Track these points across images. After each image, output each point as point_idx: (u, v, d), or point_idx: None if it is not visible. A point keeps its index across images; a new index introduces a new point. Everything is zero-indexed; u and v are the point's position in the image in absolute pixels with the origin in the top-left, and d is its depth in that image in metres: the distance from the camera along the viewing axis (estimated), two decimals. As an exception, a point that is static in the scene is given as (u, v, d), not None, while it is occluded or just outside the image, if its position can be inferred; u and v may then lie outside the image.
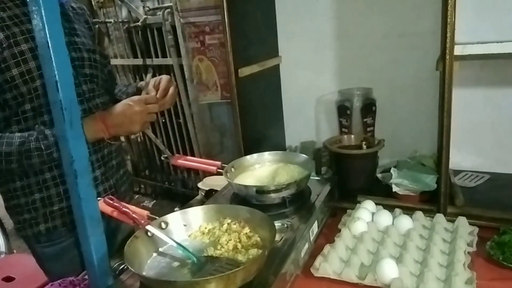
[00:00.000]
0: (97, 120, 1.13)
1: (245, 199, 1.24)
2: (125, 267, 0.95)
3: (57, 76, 0.74)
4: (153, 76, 1.35)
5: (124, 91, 1.41)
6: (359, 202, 1.32)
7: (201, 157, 1.48)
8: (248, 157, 1.41)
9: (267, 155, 1.41)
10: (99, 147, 1.22)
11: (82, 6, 1.35)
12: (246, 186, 1.23)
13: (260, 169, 1.38)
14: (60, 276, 1.08)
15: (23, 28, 1.07)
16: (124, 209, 1.00)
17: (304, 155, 1.37)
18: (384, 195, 1.40)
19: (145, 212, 1.01)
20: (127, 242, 0.93)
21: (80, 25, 1.26)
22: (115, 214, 1.02)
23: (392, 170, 1.44)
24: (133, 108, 1.15)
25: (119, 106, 1.17)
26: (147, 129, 1.23)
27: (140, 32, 3.09)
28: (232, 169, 1.34)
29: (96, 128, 1.12)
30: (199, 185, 1.69)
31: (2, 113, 1.09)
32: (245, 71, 1.54)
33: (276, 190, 1.18)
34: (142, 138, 3.52)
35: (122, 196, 1.31)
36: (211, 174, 1.36)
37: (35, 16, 0.71)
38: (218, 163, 1.32)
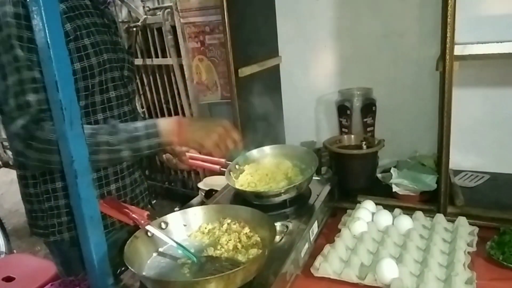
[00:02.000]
0: (172, 122, 1.09)
1: (245, 199, 1.24)
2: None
3: (57, 76, 0.74)
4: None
5: None
6: (359, 202, 1.32)
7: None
8: (247, 154, 1.39)
9: (268, 150, 1.40)
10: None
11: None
12: (245, 192, 1.23)
13: (263, 165, 1.36)
14: (76, 271, 1.08)
15: (86, 21, 1.07)
16: (123, 209, 1.00)
17: (307, 150, 1.35)
18: (384, 195, 1.40)
19: (145, 212, 1.01)
20: (127, 242, 0.93)
21: (111, 22, 1.24)
22: (115, 214, 1.02)
23: (392, 170, 1.44)
24: (218, 124, 1.10)
25: (205, 118, 1.13)
26: (217, 155, 1.13)
27: (140, 32, 3.09)
28: (237, 166, 1.32)
29: (167, 129, 1.06)
30: (199, 185, 1.69)
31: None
32: (245, 71, 1.53)
33: (276, 195, 1.18)
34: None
35: (138, 196, 1.31)
36: (212, 173, 1.35)
37: (35, 16, 0.72)
38: (222, 160, 1.28)
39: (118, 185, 1.21)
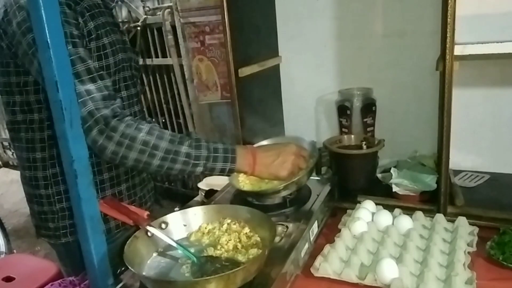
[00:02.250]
0: (248, 152, 1.09)
1: (245, 199, 1.24)
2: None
3: (57, 76, 0.74)
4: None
5: None
6: (359, 202, 1.32)
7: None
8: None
9: (266, 143, 1.40)
10: None
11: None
12: (246, 192, 1.22)
13: None
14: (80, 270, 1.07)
15: (102, 20, 1.07)
16: (123, 209, 1.00)
17: (306, 139, 1.34)
18: (384, 195, 1.40)
19: (145, 212, 1.01)
20: (127, 242, 0.93)
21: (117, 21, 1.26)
22: (115, 214, 1.02)
23: (392, 170, 1.44)
24: (289, 152, 1.11)
25: (274, 146, 1.14)
26: (290, 181, 1.13)
27: (140, 32, 3.09)
28: None
29: (244, 162, 1.07)
30: (199, 185, 1.69)
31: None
32: (245, 71, 1.53)
33: (275, 192, 1.18)
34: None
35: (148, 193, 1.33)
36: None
37: (35, 16, 0.72)
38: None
39: (128, 185, 1.22)
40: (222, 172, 1.07)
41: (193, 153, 1.00)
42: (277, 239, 1.01)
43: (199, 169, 1.02)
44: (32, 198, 1.18)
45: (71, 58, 0.93)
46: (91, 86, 0.96)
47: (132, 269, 0.84)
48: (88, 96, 0.95)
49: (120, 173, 1.19)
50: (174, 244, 0.96)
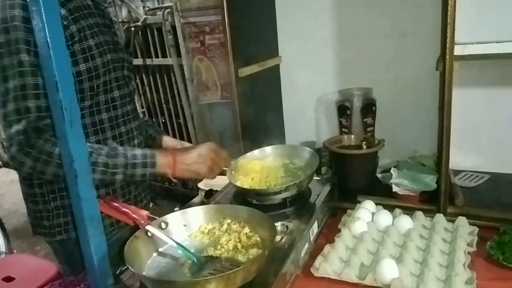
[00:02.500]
0: (167, 154, 1.12)
1: (245, 199, 1.24)
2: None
3: (57, 76, 0.74)
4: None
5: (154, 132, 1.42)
6: (359, 202, 1.32)
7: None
8: (249, 154, 1.40)
9: (270, 150, 1.41)
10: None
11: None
12: (246, 189, 1.23)
13: (263, 166, 1.36)
14: (79, 270, 1.08)
15: (90, 22, 1.07)
16: (123, 209, 1.00)
17: (308, 149, 1.36)
18: (384, 195, 1.40)
19: (145, 212, 1.01)
20: (127, 242, 0.93)
21: (111, 23, 1.25)
22: (115, 214, 1.02)
23: (392, 170, 1.44)
24: (207, 150, 1.14)
25: (193, 146, 1.16)
26: (212, 178, 1.19)
27: (140, 32, 3.09)
28: (238, 164, 1.33)
29: (163, 161, 1.10)
30: (199, 185, 1.69)
31: (90, 101, 1.10)
32: (245, 71, 1.54)
33: (276, 193, 1.18)
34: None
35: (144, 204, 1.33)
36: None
37: (35, 16, 0.72)
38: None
39: (122, 183, 1.22)
40: (144, 177, 1.11)
41: (110, 162, 1.04)
42: (277, 239, 1.01)
43: (119, 176, 1.06)
44: (28, 197, 1.20)
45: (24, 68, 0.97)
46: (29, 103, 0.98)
47: (132, 269, 0.85)
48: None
49: (135, 144, 1.22)
50: (174, 244, 0.96)
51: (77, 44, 1.04)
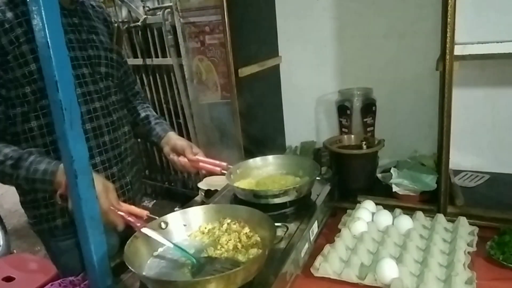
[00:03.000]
0: (61, 173, 1.04)
1: (245, 199, 1.24)
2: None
3: (57, 76, 0.74)
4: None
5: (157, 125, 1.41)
6: (359, 202, 1.32)
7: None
8: (251, 160, 1.40)
9: (271, 159, 1.41)
10: (116, 144, 1.23)
11: (101, 4, 1.35)
12: (244, 190, 1.23)
13: (263, 175, 1.37)
14: (73, 271, 1.08)
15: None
16: (119, 212, 0.99)
17: (309, 160, 1.36)
18: (384, 195, 1.40)
19: (145, 212, 1.01)
20: (127, 242, 0.93)
21: (99, 23, 1.27)
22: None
23: (392, 170, 1.44)
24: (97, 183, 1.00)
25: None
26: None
27: (140, 32, 3.09)
28: (238, 171, 1.34)
29: (59, 181, 1.01)
30: (199, 185, 1.69)
31: (21, 108, 1.10)
32: (245, 71, 1.53)
33: (275, 196, 1.18)
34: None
35: (136, 192, 1.33)
36: (212, 174, 1.36)
37: (35, 16, 0.71)
38: (224, 164, 1.31)
39: (119, 167, 1.24)
40: (42, 190, 1.09)
41: (14, 174, 1.05)
42: (277, 239, 1.01)
43: (20, 185, 1.08)
44: (25, 194, 1.21)
45: None
46: None
47: (132, 269, 0.85)
48: None
49: (118, 136, 1.23)
50: (171, 246, 0.95)
51: (26, 45, 1.05)
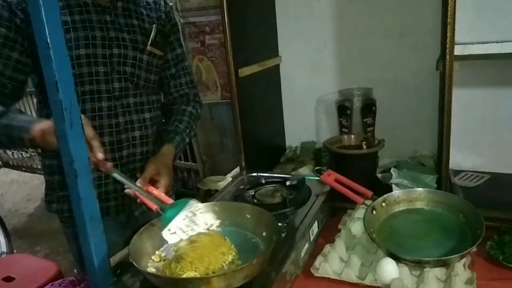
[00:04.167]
0: (42, 122, 1.02)
1: (245, 199, 1.24)
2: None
3: (57, 76, 0.74)
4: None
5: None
6: (359, 202, 1.31)
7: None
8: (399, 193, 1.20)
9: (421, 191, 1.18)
10: (117, 147, 1.20)
11: (160, 1, 1.29)
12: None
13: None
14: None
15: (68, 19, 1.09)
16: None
17: (456, 196, 1.18)
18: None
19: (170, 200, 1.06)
20: (131, 240, 0.93)
21: (143, 22, 1.22)
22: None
23: (392, 170, 1.44)
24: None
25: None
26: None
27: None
28: (383, 204, 1.17)
29: (38, 129, 0.99)
30: (199, 185, 1.69)
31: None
32: (245, 71, 1.54)
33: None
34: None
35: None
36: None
37: (35, 16, 0.71)
38: (370, 192, 1.22)
39: (129, 152, 1.23)
40: (20, 141, 1.02)
41: None
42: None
43: (2, 138, 1.04)
44: (46, 169, 1.23)
45: None
46: None
47: (136, 265, 0.85)
48: None
49: (122, 139, 1.20)
50: (136, 189, 1.02)
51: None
